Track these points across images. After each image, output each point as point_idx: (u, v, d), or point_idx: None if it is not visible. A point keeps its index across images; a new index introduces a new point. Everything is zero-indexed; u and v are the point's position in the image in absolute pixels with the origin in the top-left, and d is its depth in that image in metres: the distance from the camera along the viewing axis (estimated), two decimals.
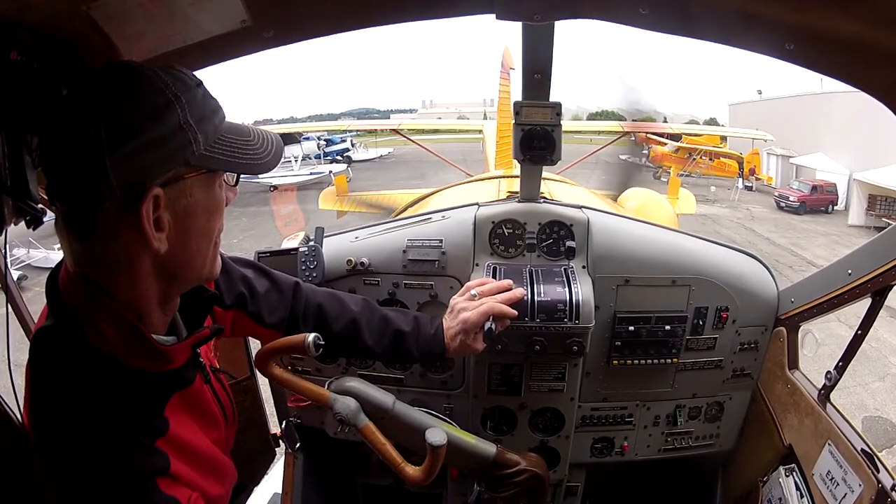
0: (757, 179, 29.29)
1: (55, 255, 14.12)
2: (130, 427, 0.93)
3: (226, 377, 1.31)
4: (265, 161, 1.03)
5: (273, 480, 2.65)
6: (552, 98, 1.60)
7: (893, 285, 1.54)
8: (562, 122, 1.65)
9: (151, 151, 0.87)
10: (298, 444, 2.18)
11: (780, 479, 1.83)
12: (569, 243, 1.84)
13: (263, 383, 2.35)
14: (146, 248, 0.91)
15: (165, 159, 0.89)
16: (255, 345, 2.30)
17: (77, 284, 0.94)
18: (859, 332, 1.65)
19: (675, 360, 1.92)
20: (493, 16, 1.18)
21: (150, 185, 0.88)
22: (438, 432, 1.36)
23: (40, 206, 1.05)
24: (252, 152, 1.01)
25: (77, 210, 0.89)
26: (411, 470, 1.37)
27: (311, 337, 1.22)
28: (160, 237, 0.91)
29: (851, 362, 1.69)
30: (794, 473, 1.80)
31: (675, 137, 28.66)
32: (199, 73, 1.02)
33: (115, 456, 0.91)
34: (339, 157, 34.09)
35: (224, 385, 1.27)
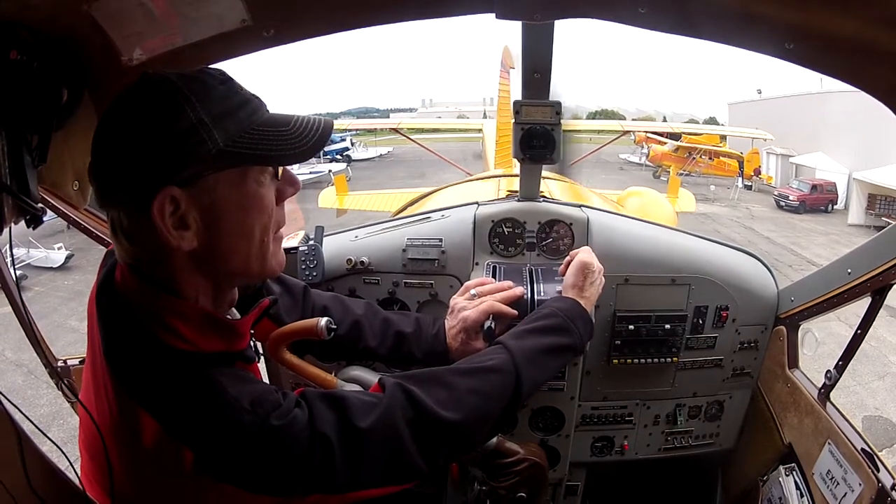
0: (759, 179, 29.30)
1: (55, 255, 14.16)
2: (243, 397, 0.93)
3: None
4: (299, 151, 0.99)
5: None
6: (552, 97, 1.60)
7: (893, 284, 1.54)
8: (561, 121, 1.65)
9: (158, 154, 0.88)
10: None
11: (781, 479, 1.83)
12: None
13: None
14: (172, 245, 0.92)
15: (175, 160, 0.89)
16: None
17: (140, 289, 0.96)
18: (859, 331, 1.66)
19: (675, 359, 1.92)
20: (493, 15, 1.18)
21: (162, 185, 0.88)
22: None
23: (40, 205, 1.05)
24: (285, 143, 0.98)
25: (117, 215, 0.94)
26: None
27: (323, 321, 1.25)
28: (184, 235, 0.92)
29: (851, 361, 1.70)
30: (794, 473, 1.81)
31: (675, 137, 28.70)
32: None
33: (258, 420, 0.90)
34: (338, 156, 34.08)
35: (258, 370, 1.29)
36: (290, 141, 0.98)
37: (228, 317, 1.08)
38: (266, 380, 2.27)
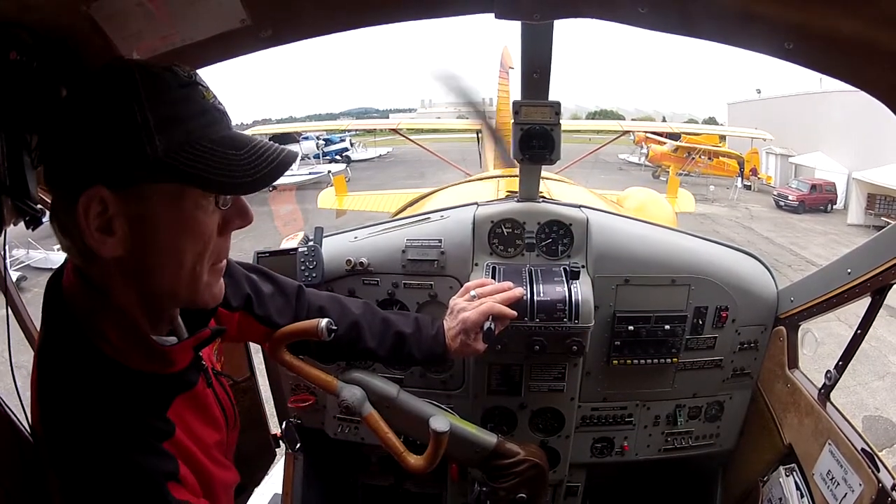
0: (757, 179, 29.32)
1: (55, 256, 14.10)
2: (140, 430, 0.91)
3: (227, 380, 1.28)
4: (242, 182, 0.88)
5: (273, 481, 2.65)
6: (551, 97, 1.60)
7: (893, 284, 1.54)
8: (561, 122, 1.65)
9: (93, 148, 0.83)
10: (299, 445, 2.19)
11: (781, 479, 1.83)
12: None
13: (263, 384, 2.35)
14: (92, 248, 0.86)
15: (109, 158, 0.83)
16: (254, 348, 2.30)
17: (79, 288, 0.93)
18: (859, 331, 1.65)
19: (674, 359, 1.92)
20: (493, 15, 1.18)
21: (93, 182, 0.83)
22: (442, 419, 1.40)
23: (39, 206, 1.05)
24: (230, 168, 0.87)
25: (52, 202, 0.90)
26: (413, 459, 1.40)
27: (324, 322, 1.25)
28: (106, 240, 0.85)
29: (851, 361, 1.70)
30: (795, 473, 1.80)
31: (674, 137, 28.72)
32: (199, 73, 1.01)
33: (128, 461, 0.87)
34: (337, 157, 34.08)
35: (226, 388, 1.24)
36: (238, 167, 0.88)
37: (165, 338, 1.02)
38: (267, 393, 2.27)
